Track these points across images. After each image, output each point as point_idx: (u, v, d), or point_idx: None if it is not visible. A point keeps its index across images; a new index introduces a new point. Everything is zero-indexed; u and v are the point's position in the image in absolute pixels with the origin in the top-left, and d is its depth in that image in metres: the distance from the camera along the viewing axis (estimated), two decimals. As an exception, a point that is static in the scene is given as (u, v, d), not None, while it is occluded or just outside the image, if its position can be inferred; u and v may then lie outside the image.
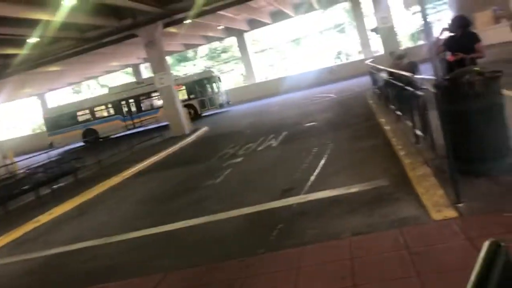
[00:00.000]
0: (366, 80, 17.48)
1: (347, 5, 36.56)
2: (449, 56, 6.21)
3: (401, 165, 5.93)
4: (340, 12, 47.93)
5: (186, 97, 26.71)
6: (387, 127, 8.70)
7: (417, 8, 31.43)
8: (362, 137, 9.17)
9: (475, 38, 6.33)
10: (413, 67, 9.98)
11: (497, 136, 4.54)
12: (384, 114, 10.16)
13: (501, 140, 4.55)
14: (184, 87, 26.98)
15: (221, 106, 27.28)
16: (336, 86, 23.95)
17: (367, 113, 11.99)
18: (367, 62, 16.47)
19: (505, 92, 8.83)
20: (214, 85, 27.53)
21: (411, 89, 6.17)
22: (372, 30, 19.36)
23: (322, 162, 7.71)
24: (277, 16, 32.34)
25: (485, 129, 4.51)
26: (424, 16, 5.38)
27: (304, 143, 10.04)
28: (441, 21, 39.84)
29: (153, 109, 26.99)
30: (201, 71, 32.92)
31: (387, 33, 16.73)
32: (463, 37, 6.35)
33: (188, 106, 25.36)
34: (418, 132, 6.15)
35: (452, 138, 4.80)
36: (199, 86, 26.76)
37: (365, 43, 30.97)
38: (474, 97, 4.47)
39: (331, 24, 50.25)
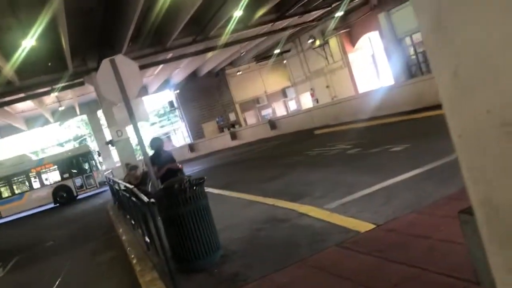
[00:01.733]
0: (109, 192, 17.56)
1: (86, 117, 36.78)
2: (157, 169, 7.08)
3: (134, 274, 6.11)
4: (80, 124, 47.80)
5: (59, 177, 23.36)
6: (124, 237, 8.86)
7: (155, 119, 33.68)
8: (101, 251, 9.05)
9: (171, 154, 7.82)
10: (146, 177, 10.64)
11: (207, 234, 5.26)
12: (122, 224, 10.34)
13: (211, 237, 5.29)
14: (55, 166, 23.50)
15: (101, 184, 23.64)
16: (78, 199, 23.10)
17: (107, 225, 11.93)
18: (105, 173, 16.70)
19: (225, 192, 10.21)
20: (92, 162, 24.21)
21: (135, 199, 6.60)
22: (108, 143, 19.96)
23: (57, 283, 7.23)
24: (6, 131, 29.91)
25: (196, 229, 5.18)
26: (138, 135, 6.03)
27: (41, 266, 9.20)
28: (177, 130, 44.06)
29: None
30: (77, 146, 28.39)
31: (123, 145, 17.46)
32: (164, 153, 7.71)
33: (60, 187, 22.49)
34: (147, 239, 6.53)
35: (172, 241, 5.32)
36: (73, 163, 23.47)
37: (106, 154, 31.25)
38: (184, 202, 5.14)
39: (71, 136, 49.33)
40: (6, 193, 23.24)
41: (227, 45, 20.62)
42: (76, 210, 18.78)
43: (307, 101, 32.76)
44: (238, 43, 21.94)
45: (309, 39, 27.84)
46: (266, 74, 34.92)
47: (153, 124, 48.83)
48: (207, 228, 5.27)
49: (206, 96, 33.56)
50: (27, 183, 23.78)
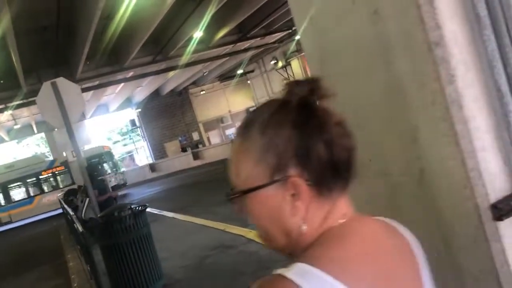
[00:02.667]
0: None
1: (43, 135, 35.71)
2: (98, 196, 6.88)
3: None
4: (40, 142, 46.48)
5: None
6: (71, 264, 8.53)
7: (118, 137, 32.95)
8: (47, 278, 8.65)
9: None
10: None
11: (148, 263, 5.09)
12: (71, 250, 9.96)
13: (152, 266, 5.12)
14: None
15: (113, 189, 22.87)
16: (31, 220, 22.16)
17: (57, 249, 11.46)
18: (58, 196, 16.19)
19: (179, 216, 10.00)
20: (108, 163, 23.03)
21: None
22: (62, 163, 19.48)
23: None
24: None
25: (137, 258, 5.00)
26: (79, 158, 5.84)
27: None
28: (140, 149, 43.38)
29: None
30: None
31: (77, 166, 16.97)
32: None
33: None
34: (88, 267, 6.27)
35: (111, 270, 5.12)
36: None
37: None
38: (124, 231, 4.97)
39: (29, 154, 47.81)
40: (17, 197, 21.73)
41: (188, 65, 20.55)
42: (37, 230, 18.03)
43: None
44: (200, 63, 21.90)
45: (271, 60, 28.14)
46: (230, 93, 34.99)
47: (116, 142, 47.91)
48: (148, 257, 5.10)
49: (168, 115, 33.23)
50: (38, 186, 22.16)
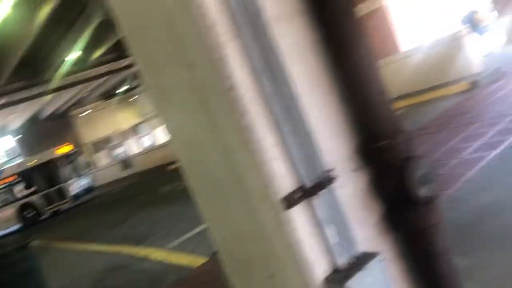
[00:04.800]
0: None
1: None
2: None
3: None
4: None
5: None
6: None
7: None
8: None
9: None
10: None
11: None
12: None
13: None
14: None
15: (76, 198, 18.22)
16: None
17: None
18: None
19: (70, 244, 9.69)
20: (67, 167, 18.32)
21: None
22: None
23: None
24: None
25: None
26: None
27: None
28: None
29: None
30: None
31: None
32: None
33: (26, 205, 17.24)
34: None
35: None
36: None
37: None
38: (7, 266, 4.82)
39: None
40: None
41: (66, 86, 19.72)
42: None
43: (162, 135, 32.64)
44: (80, 83, 21.13)
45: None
46: (117, 111, 33.99)
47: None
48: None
49: (51, 140, 31.16)
50: None
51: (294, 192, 1.43)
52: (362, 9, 15.73)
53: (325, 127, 1.54)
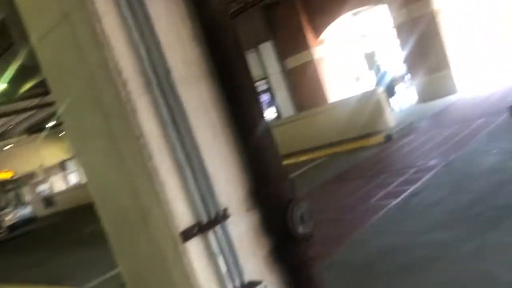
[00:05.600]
0: None
1: None
2: None
3: None
4: None
5: None
6: None
7: None
8: None
9: None
10: None
11: None
12: None
13: None
14: None
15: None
16: None
17: None
18: None
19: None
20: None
21: None
22: None
23: None
24: None
25: None
26: None
27: None
28: None
29: None
30: None
31: None
32: None
33: None
34: None
35: None
36: None
37: None
38: None
39: None
40: None
41: (-11, 118, 18.74)
42: None
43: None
44: (4, 116, 20.18)
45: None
46: (42, 147, 32.50)
47: None
48: None
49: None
50: None
51: (191, 227, 1.67)
52: (295, 61, 16.78)
53: (222, 173, 1.81)
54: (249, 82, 1.87)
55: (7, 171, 18.48)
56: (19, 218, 17.56)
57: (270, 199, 1.83)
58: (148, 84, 1.63)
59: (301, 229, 1.79)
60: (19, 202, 18.22)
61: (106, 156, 1.77)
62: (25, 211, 18.20)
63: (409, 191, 5.32)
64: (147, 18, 1.62)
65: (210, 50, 1.83)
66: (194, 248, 1.66)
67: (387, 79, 14.03)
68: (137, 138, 1.62)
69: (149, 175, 1.63)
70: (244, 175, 1.87)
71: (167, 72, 1.68)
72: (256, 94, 1.88)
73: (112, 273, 6.48)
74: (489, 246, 3.35)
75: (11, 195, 17.87)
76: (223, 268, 1.68)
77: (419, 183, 5.47)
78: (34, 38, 1.86)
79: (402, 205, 4.94)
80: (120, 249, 1.94)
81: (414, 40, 13.40)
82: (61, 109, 1.88)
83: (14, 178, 18.67)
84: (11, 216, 17.12)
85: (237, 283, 1.70)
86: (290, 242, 1.82)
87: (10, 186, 17.84)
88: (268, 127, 1.87)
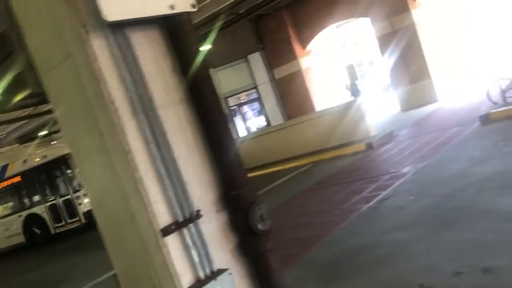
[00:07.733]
0: None
1: None
2: None
3: None
4: None
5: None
6: None
7: None
8: None
9: None
10: None
11: None
12: None
13: None
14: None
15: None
16: None
17: None
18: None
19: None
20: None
21: None
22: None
23: None
24: None
25: None
26: None
27: None
28: None
29: None
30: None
31: None
32: None
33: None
34: None
35: None
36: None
37: None
38: None
39: None
40: None
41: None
42: None
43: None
44: (-3, 125, 20.42)
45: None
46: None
47: None
48: None
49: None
50: None
51: (170, 225, 2.07)
52: (283, 71, 17.26)
53: (196, 180, 2.21)
54: (217, 105, 2.28)
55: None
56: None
57: (236, 202, 2.23)
58: (134, 110, 2.04)
59: (260, 226, 2.20)
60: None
61: (101, 168, 2.17)
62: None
63: (379, 196, 5.76)
64: (134, 58, 2.04)
65: (186, 79, 2.24)
66: (172, 242, 2.06)
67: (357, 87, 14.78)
68: (126, 153, 2.02)
69: (136, 183, 2.03)
70: (214, 182, 2.27)
71: (150, 100, 2.08)
72: (223, 115, 2.30)
73: (102, 277, 6.85)
74: (441, 244, 3.78)
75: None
76: (196, 258, 2.08)
77: (389, 189, 5.91)
78: (42, 70, 2.26)
79: (372, 209, 5.38)
80: (112, 244, 2.33)
81: (396, 51, 13.95)
82: (64, 132, 2.28)
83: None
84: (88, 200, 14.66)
85: (207, 270, 2.10)
86: (252, 237, 2.22)
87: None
88: (234, 142, 2.28)
